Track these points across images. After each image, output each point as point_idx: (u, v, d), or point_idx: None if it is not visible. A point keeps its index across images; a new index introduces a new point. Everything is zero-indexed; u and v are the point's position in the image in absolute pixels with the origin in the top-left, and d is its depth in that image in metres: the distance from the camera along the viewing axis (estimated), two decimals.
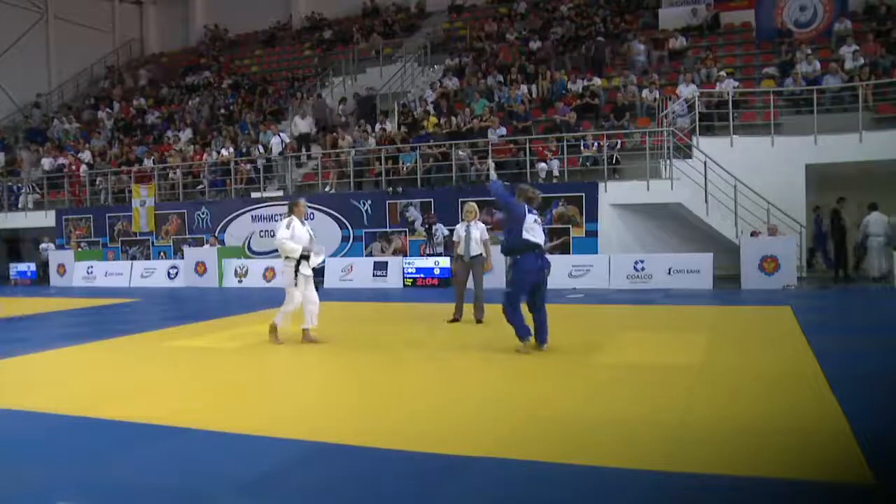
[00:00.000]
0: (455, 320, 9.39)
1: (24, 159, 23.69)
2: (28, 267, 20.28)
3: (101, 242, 20.45)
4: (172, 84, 27.24)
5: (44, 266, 19.92)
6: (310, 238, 8.03)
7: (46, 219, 21.24)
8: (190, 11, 31.75)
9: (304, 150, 19.28)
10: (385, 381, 6.56)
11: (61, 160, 22.40)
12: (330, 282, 16.14)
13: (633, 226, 15.39)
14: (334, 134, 19.21)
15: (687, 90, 16.29)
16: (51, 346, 8.28)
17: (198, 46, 30.55)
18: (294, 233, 7.91)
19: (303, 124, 19.30)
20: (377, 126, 18.95)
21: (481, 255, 9.46)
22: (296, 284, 7.95)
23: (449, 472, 3.79)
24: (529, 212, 7.04)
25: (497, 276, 13.53)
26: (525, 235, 6.92)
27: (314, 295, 8.14)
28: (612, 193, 15.09)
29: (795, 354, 6.68)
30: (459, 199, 14.76)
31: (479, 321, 9.32)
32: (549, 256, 15.13)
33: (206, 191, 19.62)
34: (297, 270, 7.93)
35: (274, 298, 13.99)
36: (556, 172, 15.79)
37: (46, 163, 22.40)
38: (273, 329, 8.11)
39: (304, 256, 7.98)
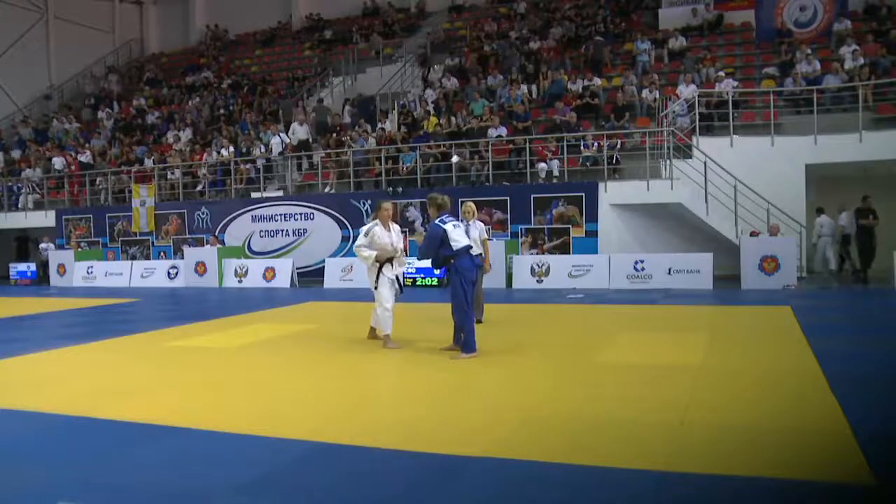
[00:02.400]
0: (477, 322, 9.34)
1: None
2: (28, 267, 20.29)
3: (101, 242, 20.46)
4: (172, 84, 27.24)
5: (44, 266, 19.94)
6: (391, 243, 7.60)
7: (46, 219, 21.26)
8: (190, 11, 31.74)
9: (302, 156, 19.22)
10: (385, 380, 6.57)
11: (84, 157, 22.41)
12: (330, 282, 16.15)
13: (633, 226, 15.39)
14: (334, 135, 19.21)
15: (687, 90, 16.30)
16: (51, 346, 8.28)
17: (198, 46, 30.57)
18: (373, 240, 7.54)
19: (301, 131, 19.24)
20: (377, 126, 18.95)
21: (480, 254, 9.43)
22: (376, 287, 7.63)
23: (449, 472, 3.79)
24: (443, 222, 7.08)
25: (497, 275, 13.64)
26: (454, 246, 6.98)
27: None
28: (612, 193, 15.09)
29: (795, 354, 6.68)
30: (459, 199, 14.77)
31: (478, 321, 9.31)
32: (549, 256, 15.19)
33: (206, 191, 19.62)
34: (379, 272, 7.60)
35: (274, 298, 14.06)
36: (556, 172, 15.79)
37: (58, 162, 22.41)
38: (385, 338, 7.69)
39: (388, 260, 7.62)
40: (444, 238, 7.00)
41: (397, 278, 7.78)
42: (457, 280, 7.05)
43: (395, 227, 7.82)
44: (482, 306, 9.44)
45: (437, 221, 7.16)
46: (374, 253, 7.56)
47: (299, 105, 21.38)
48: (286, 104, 22.15)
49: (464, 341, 7.03)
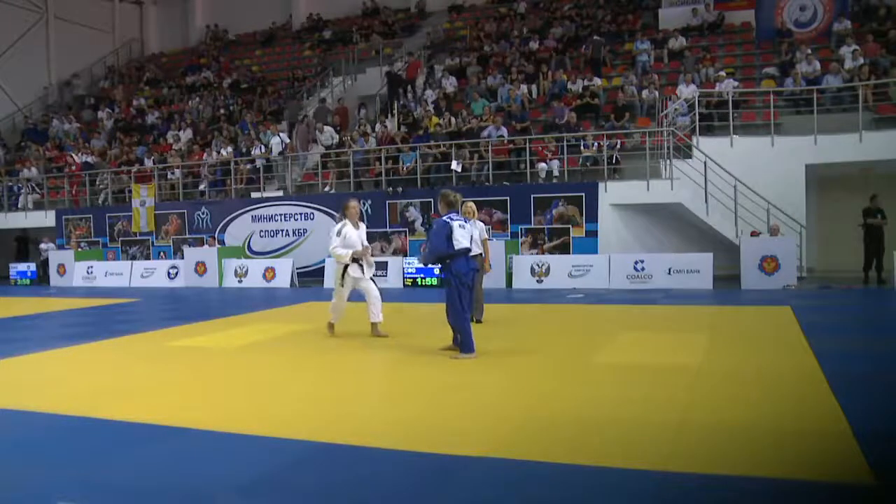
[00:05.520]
0: (477, 322, 9.35)
1: None
2: (28, 267, 20.29)
3: (101, 242, 20.46)
4: (172, 84, 27.25)
5: (44, 266, 19.93)
6: (361, 241, 8.12)
7: (46, 219, 21.26)
8: (190, 11, 31.76)
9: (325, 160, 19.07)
10: (385, 380, 6.57)
11: (87, 158, 22.39)
12: (330, 282, 16.13)
13: (633, 226, 15.39)
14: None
15: (687, 90, 16.29)
16: (51, 346, 8.28)
17: (198, 46, 30.57)
18: (345, 240, 8.00)
19: (326, 136, 19.17)
20: (377, 126, 18.95)
21: (480, 254, 9.44)
22: (342, 285, 8.18)
23: (448, 473, 3.79)
24: (451, 219, 7.06)
25: (497, 275, 13.64)
26: (455, 245, 6.96)
27: (375, 290, 8.25)
28: (612, 193, 15.09)
29: (795, 354, 6.68)
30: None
31: (478, 321, 9.31)
32: (549, 256, 15.16)
33: (206, 191, 19.62)
34: (344, 271, 8.12)
35: (274, 298, 14.06)
36: (556, 172, 15.79)
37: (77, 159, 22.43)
38: (329, 325, 8.53)
39: (356, 260, 8.07)
40: (449, 235, 6.95)
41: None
42: (453, 282, 7.03)
43: (362, 225, 8.29)
44: (482, 307, 9.44)
45: (444, 218, 7.11)
46: (350, 251, 8.00)
47: (301, 115, 21.18)
48: (292, 106, 22.13)
49: (461, 342, 7.02)
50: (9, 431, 4.86)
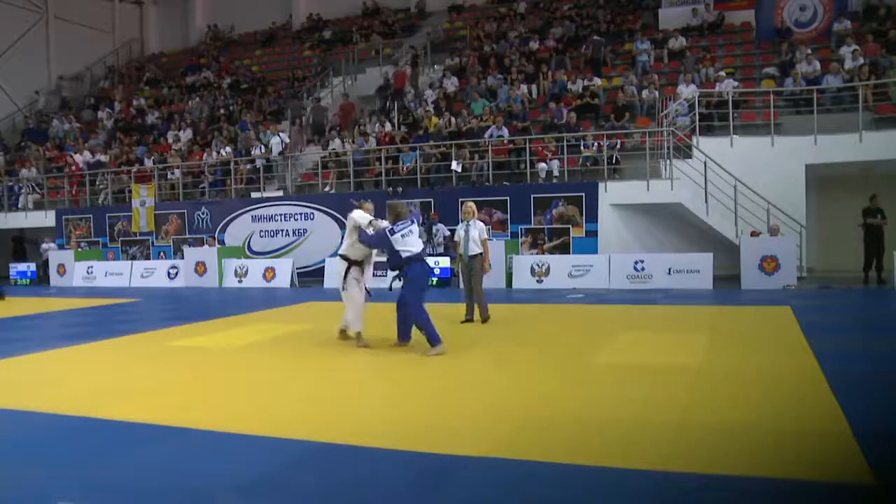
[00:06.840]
0: (468, 321, 9.38)
1: None
2: (28, 267, 20.29)
3: (101, 242, 20.46)
4: (172, 84, 27.25)
5: (44, 266, 19.93)
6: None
7: (46, 219, 21.25)
8: (190, 11, 31.75)
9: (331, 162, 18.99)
10: (385, 380, 6.57)
11: (99, 157, 22.39)
12: (330, 282, 16.13)
13: (633, 226, 15.39)
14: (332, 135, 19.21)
15: (687, 90, 16.29)
16: (51, 346, 8.28)
17: (198, 46, 30.56)
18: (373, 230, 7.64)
19: (335, 143, 19.15)
20: (377, 126, 18.95)
21: (480, 254, 9.46)
22: (344, 288, 7.89)
23: (448, 473, 3.79)
24: (392, 232, 7.18)
25: (497, 275, 13.63)
26: (403, 254, 7.14)
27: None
28: (612, 193, 15.09)
29: (795, 355, 6.68)
30: (459, 199, 14.77)
31: (484, 320, 9.32)
32: (549, 256, 15.16)
33: (206, 191, 19.62)
34: (346, 273, 7.87)
35: (274, 298, 14.06)
36: (556, 172, 15.79)
37: (79, 159, 22.42)
38: (356, 336, 7.85)
39: (357, 262, 7.86)
40: (391, 247, 7.14)
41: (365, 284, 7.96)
42: (408, 287, 7.22)
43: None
44: (485, 306, 9.43)
45: (388, 229, 7.25)
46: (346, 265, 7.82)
47: (295, 116, 21.13)
48: (293, 105, 22.12)
49: (428, 336, 7.14)
50: (9, 431, 4.86)
